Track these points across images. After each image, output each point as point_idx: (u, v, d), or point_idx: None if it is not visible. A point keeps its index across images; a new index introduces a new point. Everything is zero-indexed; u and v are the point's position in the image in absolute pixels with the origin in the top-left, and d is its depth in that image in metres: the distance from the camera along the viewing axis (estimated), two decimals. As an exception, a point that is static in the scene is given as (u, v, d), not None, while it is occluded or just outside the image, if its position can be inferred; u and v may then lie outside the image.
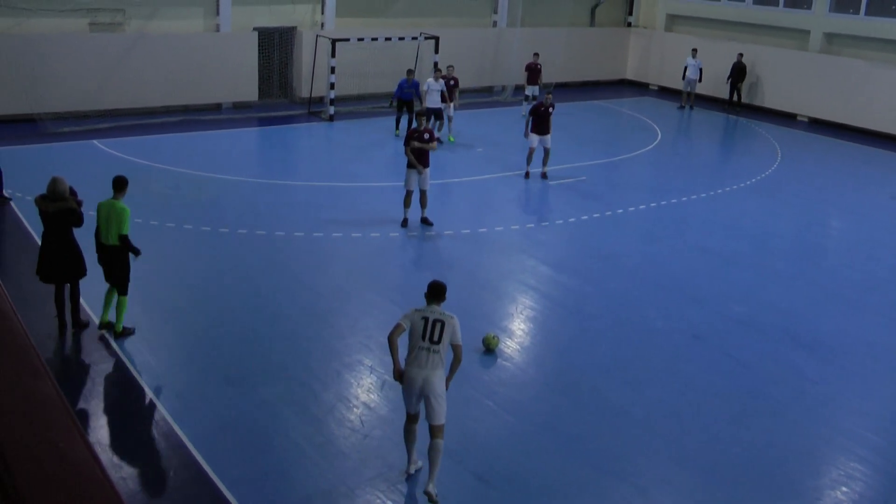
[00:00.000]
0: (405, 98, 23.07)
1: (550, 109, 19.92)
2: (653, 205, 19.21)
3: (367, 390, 10.69)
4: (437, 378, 8.49)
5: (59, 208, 11.19)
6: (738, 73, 30.28)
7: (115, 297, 11.58)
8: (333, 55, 24.85)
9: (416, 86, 22.93)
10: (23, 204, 16.09)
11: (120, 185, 11.47)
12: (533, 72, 26.74)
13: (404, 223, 16.49)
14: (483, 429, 10.04)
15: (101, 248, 11.48)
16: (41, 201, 11.29)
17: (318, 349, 11.69)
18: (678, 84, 30.88)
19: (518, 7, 31.35)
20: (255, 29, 26.14)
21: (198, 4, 25.22)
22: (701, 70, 29.98)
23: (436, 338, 8.45)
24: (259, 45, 26.14)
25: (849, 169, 24.02)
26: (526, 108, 24.53)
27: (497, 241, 16.39)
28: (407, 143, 16.29)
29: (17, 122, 21.81)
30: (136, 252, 11.48)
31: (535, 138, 19.90)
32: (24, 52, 22.14)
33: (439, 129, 22.35)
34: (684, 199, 19.82)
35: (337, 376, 11.00)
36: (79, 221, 11.34)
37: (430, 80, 22.71)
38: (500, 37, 31.05)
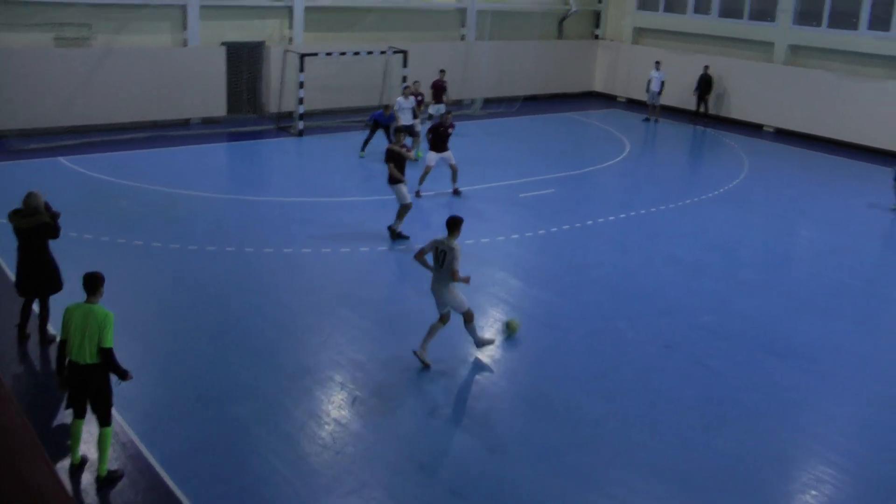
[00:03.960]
0: (381, 122, 22.92)
1: (450, 130, 19.73)
2: (622, 216, 19.29)
3: (338, 407, 10.62)
4: (446, 290, 11.65)
5: (34, 223, 11.09)
6: (705, 84, 30.62)
7: (81, 428, 9.13)
8: (302, 70, 24.79)
9: (392, 118, 22.72)
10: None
11: (94, 284, 8.90)
12: (438, 89, 26.05)
13: (399, 235, 16.60)
14: (457, 443, 10.00)
15: (74, 368, 8.74)
16: (14, 217, 11.17)
17: (289, 366, 11.60)
18: (645, 96, 31.11)
19: (486, 21, 31.49)
20: (223, 44, 26.04)
21: (165, 19, 25.09)
22: (663, 82, 30.26)
23: (440, 263, 11.54)
24: (228, 60, 26.03)
25: (816, 178, 24.25)
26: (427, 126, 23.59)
27: (468, 254, 16.30)
28: (388, 160, 16.46)
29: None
30: (124, 375, 8.88)
31: (433, 156, 19.74)
32: (-11, 69, 21.95)
33: (413, 146, 22.40)
34: (653, 210, 19.92)
35: (308, 393, 10.92)
36: (55, 234, 11.26)
37: (401, 98, 22.75)
38: (468, 50, 31.15)
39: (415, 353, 11.76)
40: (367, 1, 28.75)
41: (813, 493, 9.47)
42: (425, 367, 11.70)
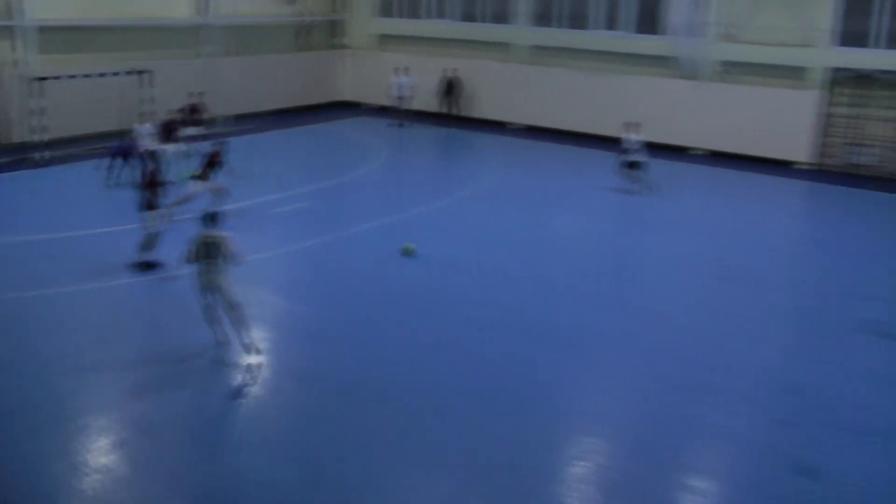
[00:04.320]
0: (122, 149, 22.12)
1: (221, 159, 19.30)
2: (380, 222, 19.57)
3: (102, 454, 10.12)
4: (224, 280, 12.22)
5: None
6: (450, 87, 31.64)
7: None
8: (36, 96, 23.43)
9: (130, 144, 22.09)
10: None
11: None
12: (196, 112, 25.75)
13: (148, 266, 15.94)
14: (233, 471, 9.81)
15: None
16: None
17: (45, 416, 10.96)
18: (393, 102, 31.65)
19: (227, 37, 31.01)
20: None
21: None
22: (412, 87, 31.00)
23: (214, 254, 12.13)
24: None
25: (562, 169, 25.58)
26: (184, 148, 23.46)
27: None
28: (146, 188, 15.95)
29: None
30: None
31: (199, 185, 19.05)
32: None
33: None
34: (410, 213, 20.34)
35: (69, 443, 10.35)
36: None
37: (137, 125, 22.25)
38: (212, 67, 30.50)
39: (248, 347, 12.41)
40: (103, 20, 27.58)
41: (582, 463, 10.06)
42: (254, 352, 12.43)
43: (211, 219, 12.44)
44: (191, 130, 25.05)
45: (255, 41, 32.88)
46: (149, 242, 15.99)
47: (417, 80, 31.40)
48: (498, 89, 31.91)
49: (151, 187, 16.06)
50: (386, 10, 35.21)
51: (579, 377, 12.44)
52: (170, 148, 22.69)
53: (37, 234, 18.15)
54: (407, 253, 16.37)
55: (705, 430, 10.99)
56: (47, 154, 23.89)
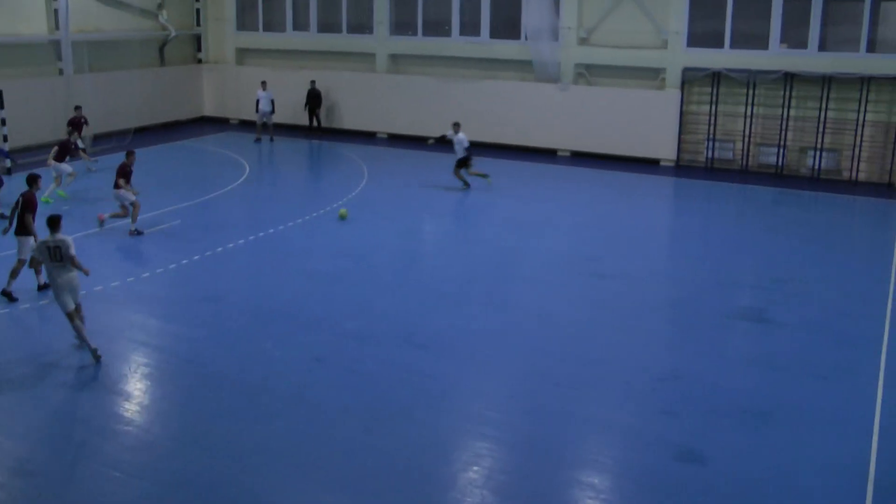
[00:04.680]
0: None
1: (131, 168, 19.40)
2: (251, 238, 19.13)
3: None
4: (71, 282, 12.67)
5: None
6: (314, 98, 31.32)
7: None
8: None
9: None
10: None
11: None
12: (76, 126, 24.92)
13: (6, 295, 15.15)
14: (114, 502, 9.34)
15: None
16: None
17: None
18: (255, 117, 31.11)
19: (84, 52, 29.86)
20: None
21: None
22: (273, 101, 30.56)
23: (58, 258, 12.53)
24: None
25: (426, 174, 25.56)
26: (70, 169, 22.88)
27: (100, 300, 15.39)
28: (24, 209, 15.22)
29: None
30: None
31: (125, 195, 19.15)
32: None
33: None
34: (282, 227, 19.95)
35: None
36: None
37: None
38: (68, 85, 29.32)
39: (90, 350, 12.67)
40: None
41: (475, 468, 9.95)
42: (97, 358, 12.63)
43: (52, 222, 12.77)
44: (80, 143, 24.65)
45: (118, 57, 31.71)
46: (15, 271, 15.22)
47: (274, 94, 30.89)
48: (361, 99, 31.83)
49: (33, 209, 15.35)
50: (246, 24, 34.63)
51: (463, 381, 12.37)
52: (65, 167, 22.31)
53: None
54: (342, 217, 20.01)
55: (592, 425, 11.08)
56: None
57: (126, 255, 17.99)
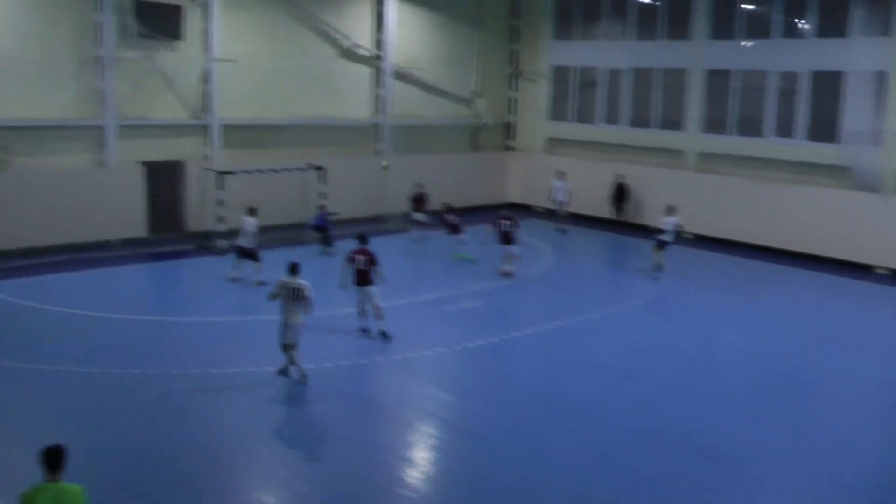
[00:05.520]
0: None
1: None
2: (547, 326, 19.47)
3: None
4: (300, 321, 14.89)
5: None
6: (621, 193, 31.48)
7: None
8: (221, 188, 24.80)
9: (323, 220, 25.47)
10: None
11: (56, 459, 7.83)
12: (418, 202, 28.09)
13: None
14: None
15: None
16: None
17: (211, 492, 11.31)
18: (553, 205, 31.78)
19: (401, 136, 32.11)
20: (141, 163, 25.98)
21: (83, 139, 24.96)
22: (569, 192, 31.05)
23: (295, 297, 14.77)
24: (146, 180, 25.92)
25: (733, 282, 24.86)
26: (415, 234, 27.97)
27: (395, 369, 16.35)
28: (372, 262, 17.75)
29: None
30: None
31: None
32: None
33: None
34: (578, 318, 20.16)
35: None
36: None
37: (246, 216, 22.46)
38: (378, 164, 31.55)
39: (282, 373, 15.26)
40: (283, 119, 29.11)
41: None
42: (303, 378, 15.07)
43: (294, 268, 15.00)
44: (419, 216, 27.94)
45: (432, 141, 33.82)
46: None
47: (578, 184, 31.42)
48: (665, 195, 31.41)
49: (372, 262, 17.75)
50: (557, 114, 35.63)
51: (745, 499, 11.86)
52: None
53: (218, 316, 19.03)
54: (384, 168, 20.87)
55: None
56: (225, 243, 25.06)
57: (427, 330, 18.85)
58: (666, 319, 20.52)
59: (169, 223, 27.06)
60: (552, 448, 13.09)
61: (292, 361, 15.13)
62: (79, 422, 13.34)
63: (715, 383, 16.47)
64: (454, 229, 25.46)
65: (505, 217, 23.73)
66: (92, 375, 15.18)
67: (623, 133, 33.24)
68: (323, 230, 25.95)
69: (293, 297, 14.80)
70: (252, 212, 22.28)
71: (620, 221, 31.67)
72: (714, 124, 31.05)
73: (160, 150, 26.51)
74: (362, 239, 18.15)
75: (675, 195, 30.94)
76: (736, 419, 14.58)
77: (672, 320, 20.52)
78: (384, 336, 17.65)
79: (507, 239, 23.48)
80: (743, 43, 29.67)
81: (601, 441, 13.36)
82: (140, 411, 13.80)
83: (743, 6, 29.82)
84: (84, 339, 17.15)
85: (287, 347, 15.00)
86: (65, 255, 23.76)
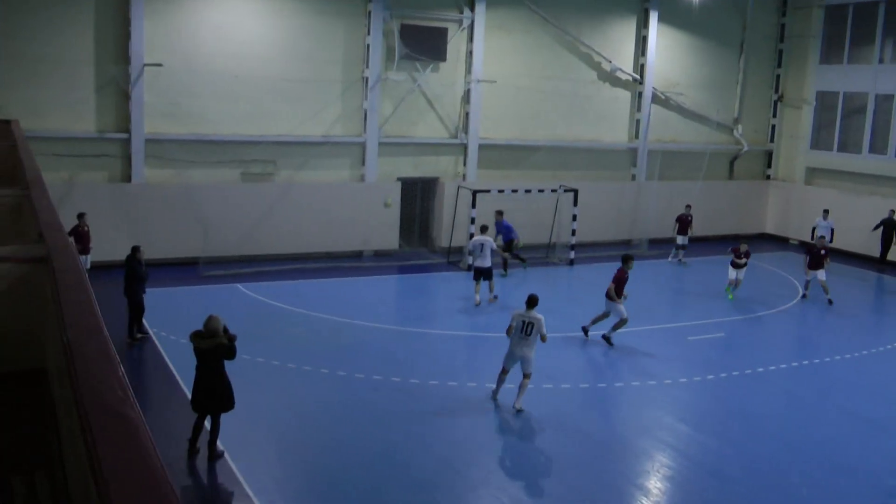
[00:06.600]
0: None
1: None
2: (795, 364, 18.52)
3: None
4: (531, 353, 14.66)
5: (213, 344, 11.68)
6: (890, 230, 29.21)
7: None
8: (474, 206, 25.37)
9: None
10: (166, 341, 16.91)
11: None
12: (683, 223, 28.19)
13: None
14: None
15: None
16: (196, 338, 11.82)
17: (445, 500, 11.53)
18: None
19: (657, 161, 31.51)
20: (398, 179, 27.04)
21: (345, 155, 26.38)
22: (833, 230, 28.89)
23: (527, 332, 14.53)
24: (401, 195, 26.99)
25: None
26: (673, 256, 28.49)
27: (634, 396, 16.07)
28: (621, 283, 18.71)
29: (173, 266, 22.99)
30: None
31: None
32: (183, 200, 23.56)
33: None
34: (828, 359, 19.03)
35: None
36: (231, 356, 11.79)
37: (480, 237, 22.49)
38: (638, 190, 31.17)
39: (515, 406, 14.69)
40: (539, 139, 29.39)
41: None
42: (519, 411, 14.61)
43: (532, 301, 14.81)
44: (680, 240, 28.46)
45: (687, 167, 32.57)
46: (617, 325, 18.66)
47: (840, 219, 29.50)
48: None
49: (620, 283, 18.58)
50: (819, 143, 33.76)
51: None
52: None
53: (462, 330, 19.49)
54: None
55: None
56: (471, 260, 25.28)
57: (668, 358, 18.40)
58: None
59: (420, 237, 28.00)
60: (791, 494, 12.43)
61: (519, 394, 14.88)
62: (322, 420, 14.12)
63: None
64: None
65: (736, 251, 24.19)
66: (337, 377, 15.92)
67: (890, 164, 30.93)
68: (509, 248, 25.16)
69: (523, 331, 14.63)
70: (484, 230, 22.60)
71: (887, 261, 29.36)
72: None
73: (417, 167, 27.56)
74: (625, 260, 19.15)
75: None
76: None
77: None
78: (607, 341, 18.69)
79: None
80: None
81: (850, 495, 12.51)
82: (380, 416, 14.35)
83: None
84: (331, 342, 18.05)
85: (503, 372, 15.02)
86: (320, 262, 25.11)
